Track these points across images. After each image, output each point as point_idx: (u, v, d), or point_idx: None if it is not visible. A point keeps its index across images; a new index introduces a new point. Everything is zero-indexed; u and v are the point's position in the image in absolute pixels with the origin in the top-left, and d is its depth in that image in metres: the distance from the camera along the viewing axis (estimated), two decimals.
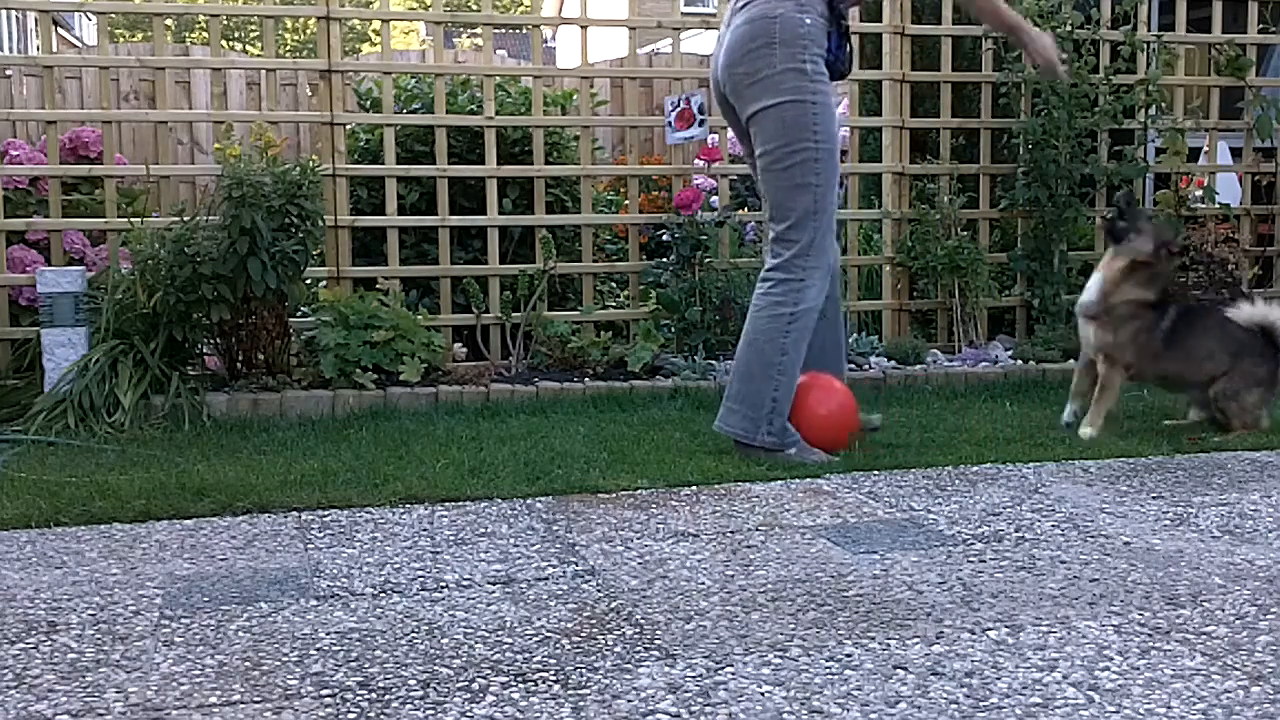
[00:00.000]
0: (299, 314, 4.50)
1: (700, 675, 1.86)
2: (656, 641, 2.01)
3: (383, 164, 4.73)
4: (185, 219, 4.14)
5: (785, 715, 1.71)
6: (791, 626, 2.07)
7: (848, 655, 1.94)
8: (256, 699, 1.79)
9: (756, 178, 3.54)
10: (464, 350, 4.79)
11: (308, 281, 4.56)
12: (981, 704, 1.74)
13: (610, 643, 2.01)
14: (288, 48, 28.93)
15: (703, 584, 2.31)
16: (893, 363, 4.77)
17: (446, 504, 2.93)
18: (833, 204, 3.40)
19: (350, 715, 1.73)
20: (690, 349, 4.66)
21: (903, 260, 5.09)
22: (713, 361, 4.60)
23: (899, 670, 1.87)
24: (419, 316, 4.49)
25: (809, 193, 3.34)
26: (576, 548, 2.57)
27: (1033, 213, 5.11)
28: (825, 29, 3.34)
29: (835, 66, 3.39)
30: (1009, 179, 5.23)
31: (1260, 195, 5.67)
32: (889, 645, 1.98)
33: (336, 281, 4.60)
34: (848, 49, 3.45)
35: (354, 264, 4.67)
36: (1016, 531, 2.66)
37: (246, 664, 1.93)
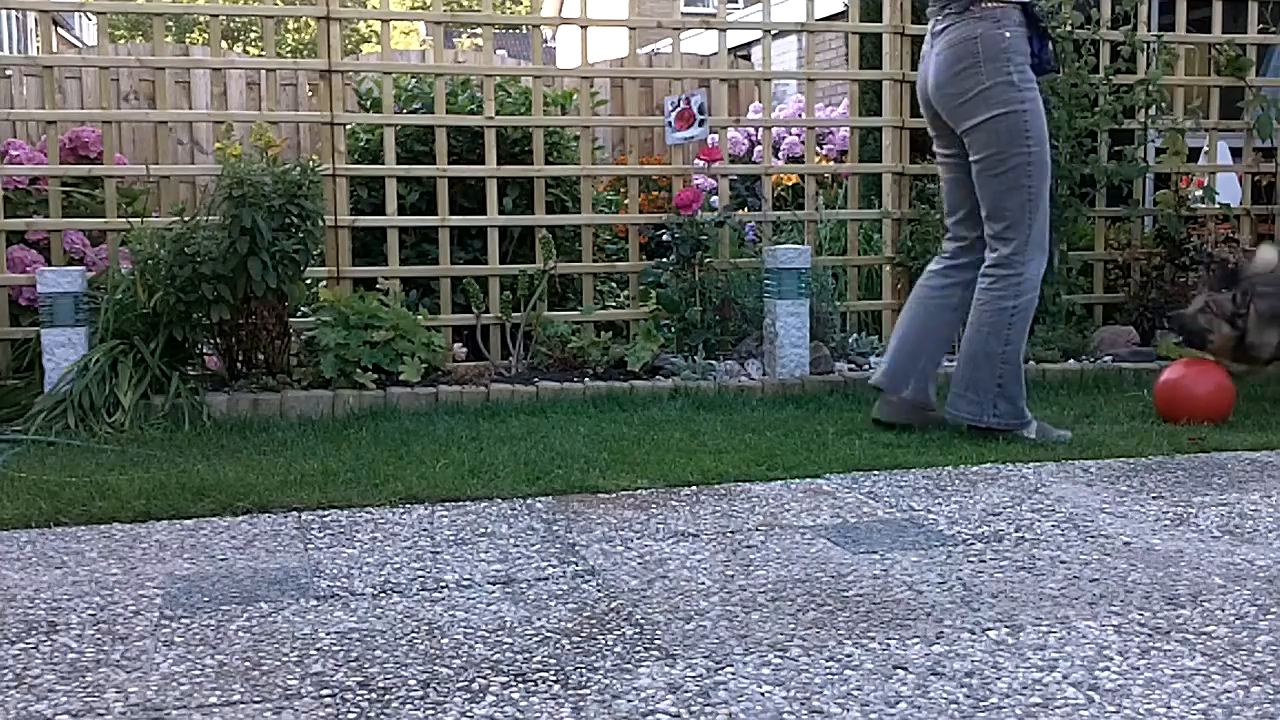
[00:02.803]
0: (299, 314, 4.51)
1: (700, 675, 1.86)
2: (656, 641, 2.01)
3: (383, 164, 4.73)
4: (185, 219, 4.14)
5: (785, 715, 1.71)
6: (791, 626, 2.07)
7: (848, 655, 1.94)
8: (256, 699, 1.79)
9: (946, 177, 3.83)
10: (464, 350, 4.79)
11: (308, 281, 4.56)
12: (981, 704, 1.74)
13: (610, 643, 2.01)
14: (288, 48, 28.92)
15: (703, 584, 2.31)
16: None
17: (446, 504, 2.93)
18: (1046, 199, 3.60)
19: (350, 715, 1.73)
20: (690, 349, 4.66)
21: (903, 260, 5.09)
22: (713, 361, 4.60)
23: (899, 670, 1.87)
24: (419, 316, 4.49)
25: (1023, 194, 3.55)
26: (576, 548, 2.57)
27: None
28: (1025, 35, 3.54)
29: (1041, 68, 3.60)
30: None
31: (1260, 195, 5.67)
32: (889, 645, 1.98)
33: (336, 281, 4.60)
34: (1050, 48, 3.64)
35: (354, 264, 4.67)
36: (1016, 531, 2.66)
37: (246, 664, 1.93)
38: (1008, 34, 3.52)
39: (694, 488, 3.09)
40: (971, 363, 3.63)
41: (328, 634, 2.05)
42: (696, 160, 5.07)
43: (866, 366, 4.68)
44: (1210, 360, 3.90)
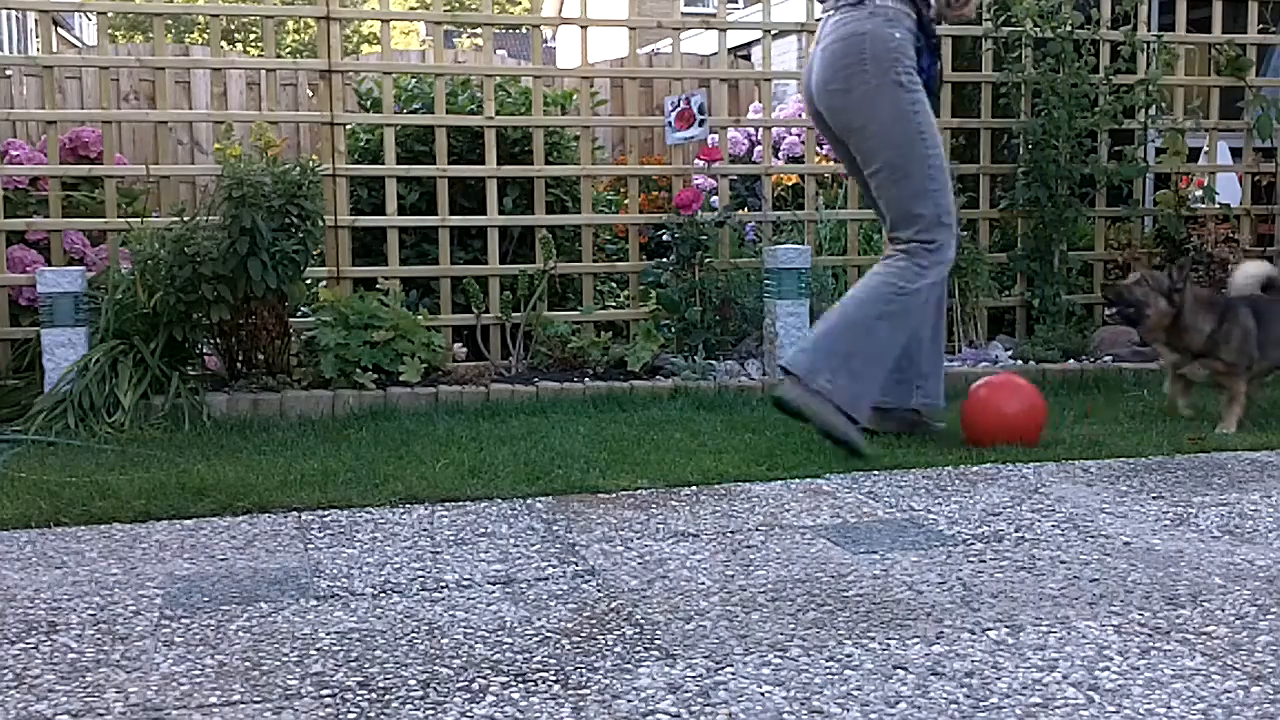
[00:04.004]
0: (299, 314, 4.51)
1: (700, 675, 1.86)
2: (656, 641, 2.01)
3: (383, 164, 4.73)
4: (185, 219, 4.14)
5: (785, 715, 1.71)
6: (791, 626, 2.07)
7: (848, 655, 1.94)
8: (256, 699, 1.79)
9: (858, 181, 3.62)
10: (464, 350, 4.79)
11: (308, 281, 4.56)
12: (981, 704, 1.74)
13: (610, 643, 2.01)
14: (287, 48, 28.91)
15: (703, 584, 2.31)
16: None
17: (446, 504, 2.93)
18: (951, 202, 3.45)
19: (350, 715, 1.73)
20: (690, 349, 4.66)
21: None
22: (713, 361, 4.60)
23: (899, 670, 1.87)
24: (419, 316, 4.49)
25: (929, 198, 3.39)
26: (576, 548, 2.57)
27: (1033, 213, 5.12)
28: (914, 41, 3.38)
29: (930, 85, 3.43)
30: (1009, 179, 5.24)
31: (1260, 195, 5.67)
32: (889, 645, 1.98)
33: (336, 281, 4.60)
34: (938, 66, 3.48)
35: (354, 264, 4.67)
36: (1016, 531, 2.66)
37: (246, 664, 1.93)
38: (898, 34, 3.34)
39: (694, 488, 3.08)
40: (833, 325, 3.38)
41: (328, 634, 2.05)
42: (696, 160, 5.07)
43: None
44: (1020, 377, 3.72)
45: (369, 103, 5.31)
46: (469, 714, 1.73)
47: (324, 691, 1.81)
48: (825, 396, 3.31)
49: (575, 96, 5.34)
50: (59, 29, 23.26)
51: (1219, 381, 3.83)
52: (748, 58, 11.90)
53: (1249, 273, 3.98)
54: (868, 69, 3.34)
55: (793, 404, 3.34)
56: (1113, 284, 4.02)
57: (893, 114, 3.35)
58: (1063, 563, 2.43)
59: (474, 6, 30.44)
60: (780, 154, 7.66)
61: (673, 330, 4.76)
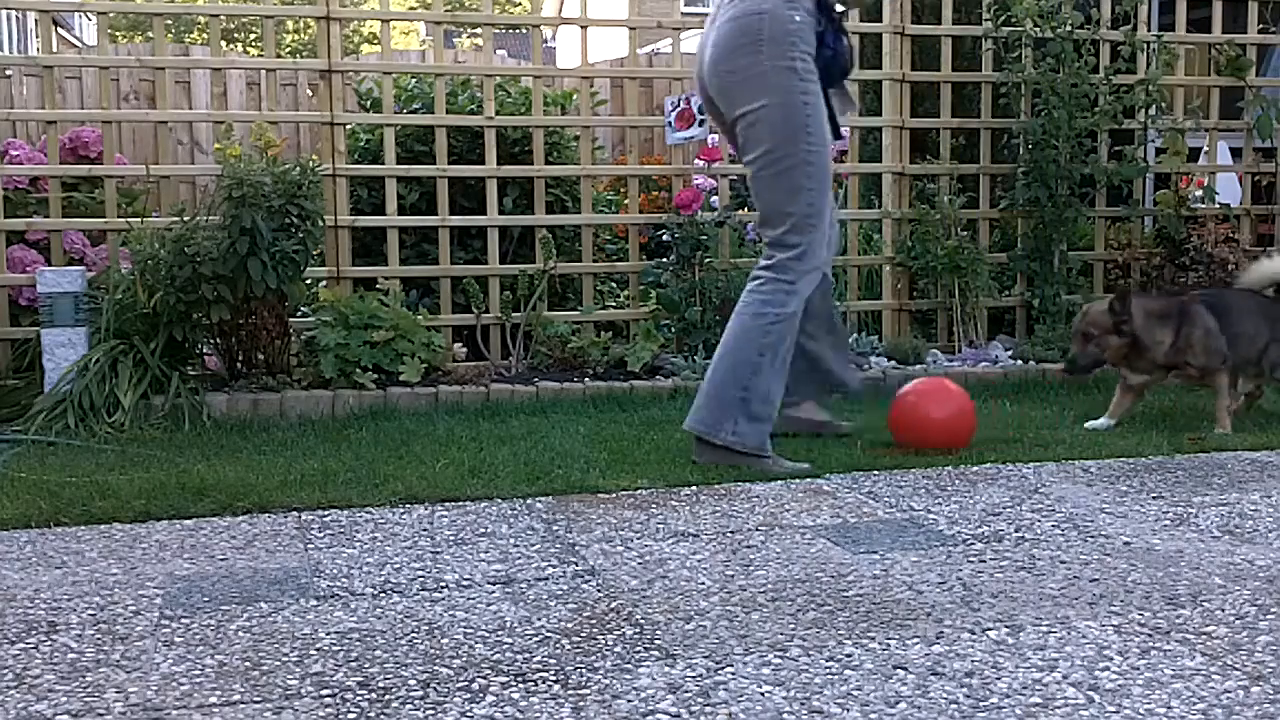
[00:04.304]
0: (299, 314, 4.51)
1: (700, 675, 1.86)
2: (656, 641, 2.01)
3: (383, 164, 4.73)
4: (185, 219, 4.14)
5: (785, 715, 1.71)
6: (791, 626, 2.07)
7: (848, 655, 1.94)
8: (256, 699, 1.79)
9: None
10: (464, 350, 4.79)
11: (308, 281, 4.56)
12: (981, 704, 1.74)
13: (610, 643, 2.01)
14: (287, 48, 28.92)
15: (703, 584, 2.31)
16: (893, 363, 4.77)
17: (446, 504, 2.93)
18: (826, 206, 3.29)
19: (350, 715, 1.73)
20: (690, 349, 4.66)
21: (903, 260, 5.09)
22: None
23: (899, 670, 1.87)
24: (419, 316, 4.49)
25: (803, 196, 3.22)
26: (576, 548, 2.57)
27: (1033, 213, 5.11)
28: (814, 25, 3.20)
29: (836, 64, 3.27)
30: (1009, 179, 5.24)
31: (1260, 195, 5.67)
32: (889, 645, 1.98)
33: (336, 281, 4.60)
34: (846, 44, 3.30)
35: (354, 264, 4.67)
36: (1016, 531, 2.66)
37: (246, 664, 1.93)
38: (798, 17, 3.16)
39: (694, 488, 3.08)
40: (718, 372, 3.27)
41: (328, 634, 2.05)
42: (696, 160, 5.07)
43: (866, 366, 4.68)
44: (950, 381, 3.64)
45: (369, 103, 5.31)
46: (469, 714, 1.73)
47: (324, 691, 1.81)
48: (734, 449, 3.22)
49: (575, 96, 5.34)
50: (59, 29, 23.26)
51: (1204, 385, 3.82)
52: None
53: (1263, 271, 3.95)
54: (763, 50, 3.16)
55: (710, 463, 3.25)
56: (1069, 364, 3.88)
57: (782, 101, 3.17)
58: (1063, 563, 2.43)
59: (474, 6, 30.43)
60: None
61: (673, 330, 4.76)
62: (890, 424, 3.53)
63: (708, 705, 1.75)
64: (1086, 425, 3.78)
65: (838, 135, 3.35)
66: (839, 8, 3.31)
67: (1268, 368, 3.87)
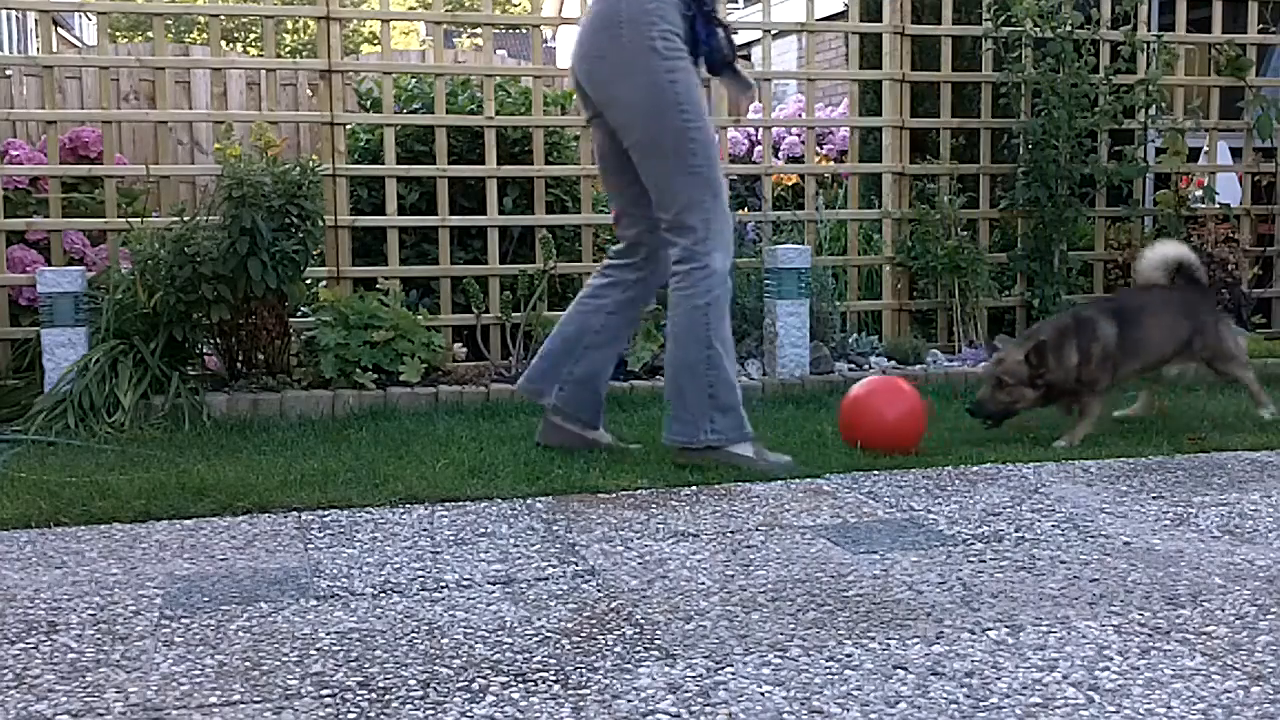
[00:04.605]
0: (299, 314, 4.51)
1: (700, 675, 1.86)
2: (656, 641, 2.01)
3: (383, 164, 4.73)
4: (185, 219, 4.14)
5: (785, 715, 1.71)
6: (791, 626, 2.07)
7: (848, 655, 1.94)
8: (256, 699, 1.79)
9: (600, 164, 3.41)
10: (464, 350, 4.79)
11: (308, 281, 4.56)
12: (981, 704, 1.74)
13: (610, 643, 2.00)
14: (287, 48, 28.92)
15: (703, 584, 2.31)
16: (893, 362, 4.77)
17: (446, 504, 2.93)
18: (719, 179, 3.20)
19: (350, 715, 1.73)
20: None
21: (903, 260, 5.09)
22: None
23: (899, 670, 1.87)
24: (419, 316, 4.49)
25: (692, 174, 3.14)
26: (576, 548, 2.57)
27: (1033, 213, 5.12)
28: (677, 7, 3.11)
29: (711, 57, 3.20)
30: (1009, 179, 5.24)
31: (1260, 195, 5.67)
32: (889, 645, 1.98)
33: (336, 281, 4.60)
34: (720, 35, 3.20)
35: (354, 264, 4.67)
36: (1016, 531, 2.66)
37: (246, 664, 1.93)
38: None
39: (694, 488, 3.08)
40: (677, 379, 3.23)
41: (328, 634, 2.05)
42: None
43: (867, 366, 4.69)
44: (903, 381, 3.57)
45: (369, 103, 5.31)
46: (469, 714, 1.73)
47: (324, 691, 1.81)
48: (720, 447, 3.21)
49: (575, 96, 5.34)
50: (59, 29, 23.26)
51: (1077, 392, 3.64)
52: (748, 58, 11.90)
53: (1158, 256, 3.83)
54: (623, 34, 3.10)
55: (698, 461, 3.22)
56: (978, 406, 3.67)
57: (647, 82, 3.11)
58: (1063, 563, 2.43)
59: (474, 6, 30.43)
60: (780, 154, 7.68)
61: None
62: (840, 424, 3.51)
63: (708, 705, 1.75)
64: (1056, 444, 3.59)
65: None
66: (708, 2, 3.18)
67: (1201, 360, 3.81)
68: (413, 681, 1.85)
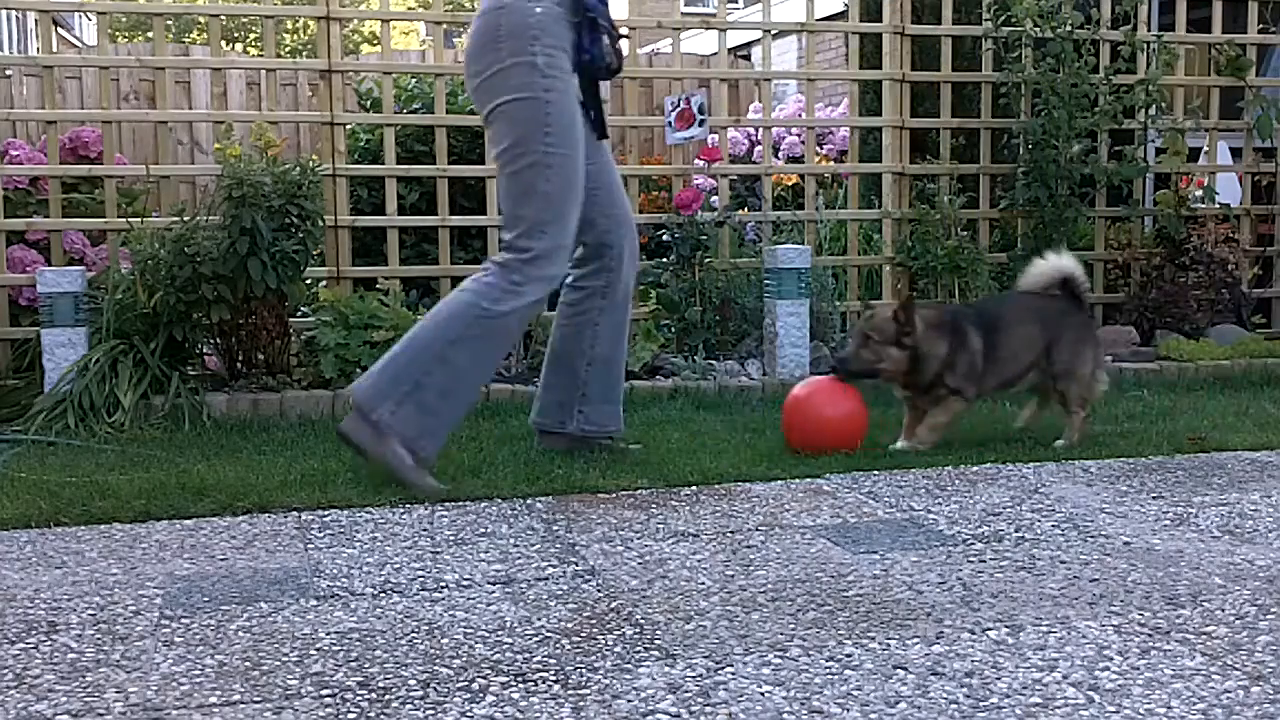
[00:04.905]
0: (299, 314, 4.51)
1: (700, 675, 1.86)
2: (656, 641, 2.01)
3: (383, 164, 4.73)
4: (185, 219, 4.14)
5: (785, 715, 1.71)
6: (791, 626, 2.07)
7: (848, 655, 1.94)
8: (256, 699, 1.79)
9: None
10: None
11: (308, 281, 4.56)
12: (981, 704, 1.74)
13: (610, 643, 2.00)
14: (287, 48, 28.92)
15: (703, 584, 2.31)
16: None
17: (446, 504, 2.93)
18: (570, 212, 3.07)
19: (350, 715, 1.73)
20: (690, 349, 4.66)
21: (903, 260, 5.09)
22: (713, 361, 4.60)
23: (899, 670, 1.87)
24: (419, 316, 4.48)
25: (539, 200, 3.03)
26: (576, 548, 2.57)
27: (1033, 213, 5.12)
28: (564, 20, 3.06)
29: (595, 65, 3.12)
30: (1009, 179, 5.24)
31: (1260, 195, 5.67)
32: (889, 645, 1.98)
33: (336, 281, 4.60)
34: (605, 43, 3.12)
35: (354, 264, 4.67)
36: (1016, 531, 2.66)
37: (246, 664, 1.93)
38: (538, 10, 3.01)
39: (694, 488, 3.08)
40: (405, 343, 3.06)
41: (328, 634, 2.05)
42: (696, 160, 5.07)
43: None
44: (842, 381, 3.48)
45: (369, 103, 5.32)
46: (469, 714, 1.73)
47: (324, 691, 1.81)
48: (383, 430, 2.98)
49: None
50: (59, 29, 23.25)
51: (936, 400, 3.48)
52: (748, 58, 11.90)
53: (1042, 270, 3.64)
54: (502, 45, 3.02)
55: (350, 437, 3.04)
56: (839, 358, 3.58)
57: (519, 96, 3.01)
58: (1063, 563, 2.43)
59: (474, 7, 30.42)
60: (780, 154, 7.67)
61: (673, 330, 4.76)
62: (783, 424, 3.49)
63: (708, 705, 1.75)
64: (892, 447, 3.49)
65: (603, 135, 3.22)
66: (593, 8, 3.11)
67: (1054, 377, 3.57)
68: (413, 681, 1.85)
